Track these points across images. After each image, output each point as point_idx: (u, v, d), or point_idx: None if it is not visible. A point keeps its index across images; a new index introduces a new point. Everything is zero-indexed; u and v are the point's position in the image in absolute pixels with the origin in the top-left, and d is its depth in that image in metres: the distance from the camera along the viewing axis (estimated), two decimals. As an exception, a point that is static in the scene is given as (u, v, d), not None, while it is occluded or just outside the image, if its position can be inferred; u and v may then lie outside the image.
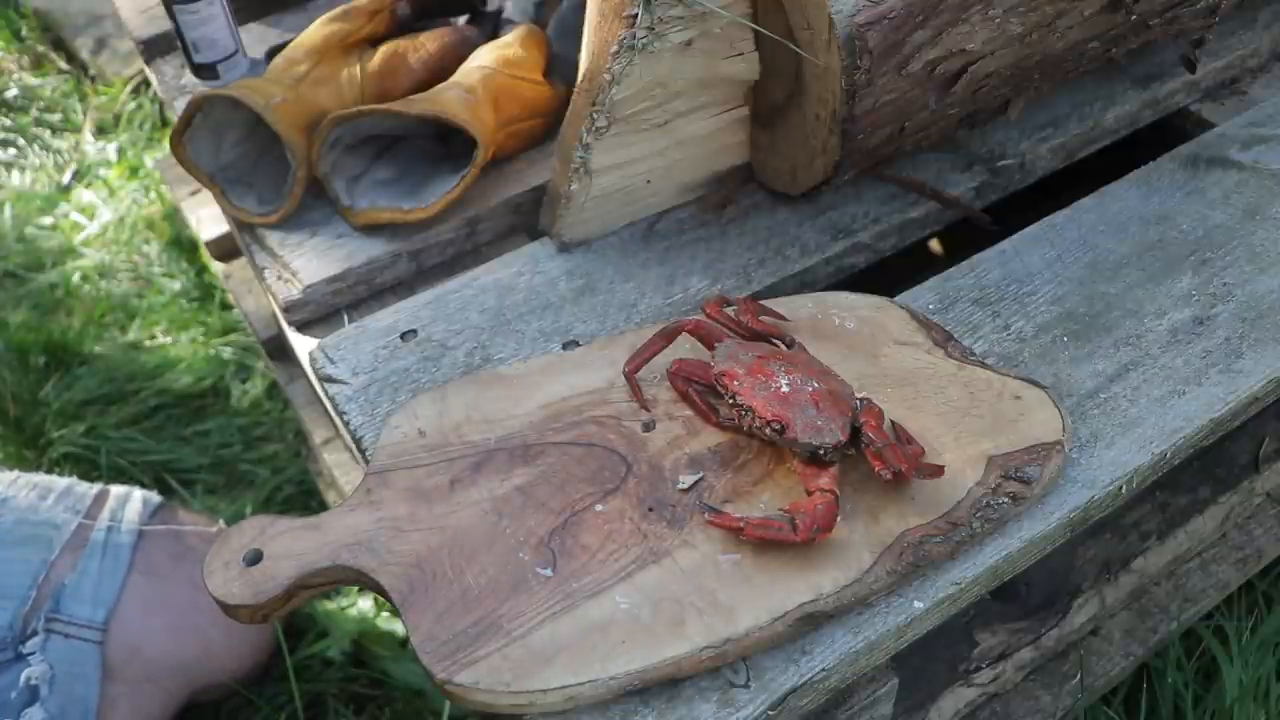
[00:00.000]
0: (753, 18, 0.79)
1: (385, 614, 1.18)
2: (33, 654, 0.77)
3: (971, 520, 0.63)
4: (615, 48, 0.75)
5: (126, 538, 0.83)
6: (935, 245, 1.20)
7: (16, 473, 0.86)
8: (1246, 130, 0.93)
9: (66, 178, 1.97)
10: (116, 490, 0.87)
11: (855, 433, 0.65)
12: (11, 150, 2.04)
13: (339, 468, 1.17)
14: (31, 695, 0.77)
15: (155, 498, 0.89)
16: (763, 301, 0.76)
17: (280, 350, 1.28)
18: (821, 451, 0.64)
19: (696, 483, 0.66)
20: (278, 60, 0.95)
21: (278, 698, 1.08)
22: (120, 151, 1.97)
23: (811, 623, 0.60)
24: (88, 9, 2.24)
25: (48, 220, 1.90)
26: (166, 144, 0.98)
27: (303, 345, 0.84)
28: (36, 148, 2.04)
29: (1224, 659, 1.03)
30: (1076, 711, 0.93)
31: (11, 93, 2.18)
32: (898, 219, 0.89)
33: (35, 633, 0.78)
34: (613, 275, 0.84)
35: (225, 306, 1.70)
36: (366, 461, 0.72)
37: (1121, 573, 0.92)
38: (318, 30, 0.96)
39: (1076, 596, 0.90)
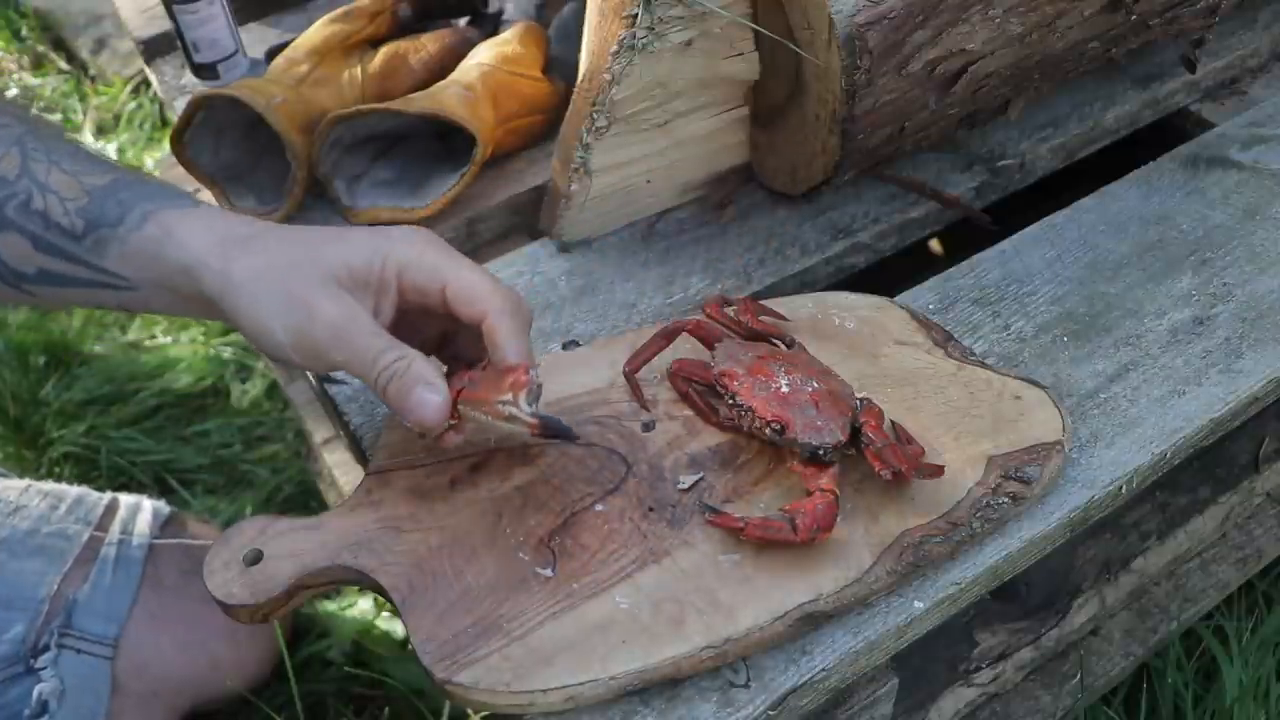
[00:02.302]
0: (753, 18, 0.79)
1: (385, 614, 1.18)
2: (44, 669, 0.77)
3: (971, 520, 0.63)
4: (615, 48, 0.75)
5: (137, 551, 0.83)
6: (935, 245, 1.20)
7: (27, 481, 0.86)
8: (1246, 130, 0.93)
9: (66, 178, 1.97)
10: (126, 500, 0.87)
11: (855, 433, 0.65)
12: (11, 150, 2.04)
13: (339, 468, 1.17)
14: (41, 709, 0.77)
15: (165, 509, 0.89)
16: (763, 301, 0.76)
17: (280, 350, 1.28)
18: (821, 451, 0.64)
19: (696, 483, 0.66)
20: (278, 60, 0.95)
21: (277, 698, 1.08)
22: (120, 151, 1.97)
23: (811, 623, 0.60)
24: (88, 9, 2.24)
25: (48, 220, 1.90)
26: (166, 144, 0.98)
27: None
28: (36, 148, 2.04)
29: (1224, 659, 1.03)
30: (1076, 711, 0.93)
31: (11, 92, 2.18)
32: (898, 219, 0.89)
33: (47, 647, 0.77)
34: (613, 275, 0.84)
35: (225, 306, 1.69)
36: (366, 461, 0.72)
37: (1121, 573, 0.92)
38: (319, 31, 0.96)
39: (1076, 596, 0.90)
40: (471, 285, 0.59)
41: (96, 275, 0.62)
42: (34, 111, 0.70)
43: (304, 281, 0.58)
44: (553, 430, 0.53)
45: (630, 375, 0.71)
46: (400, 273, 0.59)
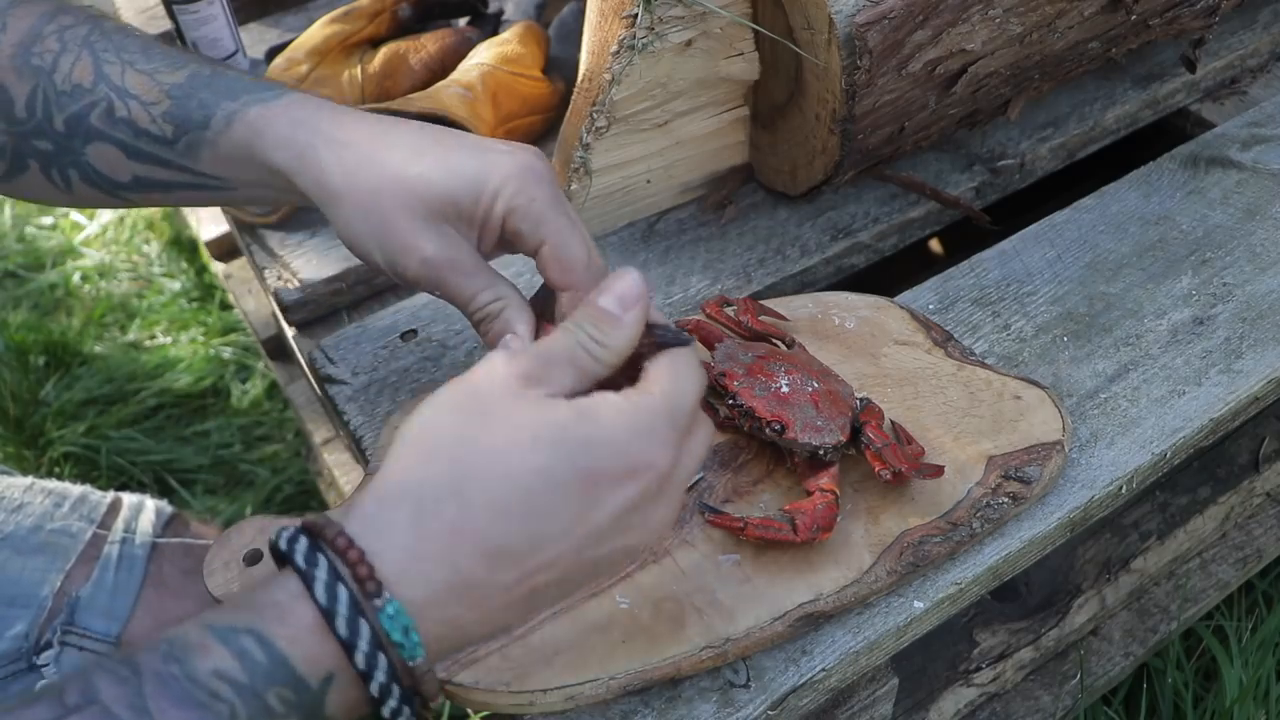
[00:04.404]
0: (753, 18, 0.79)
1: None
2: (46, 666, 0.77)
3: (971, 520, 0.63)
4: (615, 48, 0.75)
5: (140, 550, 0.83)
6: (935, 245, 1.21)
7: (31, 478, 0.86)
8: (1246, 130, 0.93)
9: (66, 178, 1.96)
10: (129, 499, 0.87)
11: (855, 433, 0.65)
12: (11, 150, 2.04)
13: (339, 468, 1.17)
14: None
15: (167, 508, 0.88)
16: (763, 301, 0.76)
17: (280, 350, 1.28)
18: (821, 452, 0.64)
19: (696, 483, 0.66)
20: (278, 60, 0.95)
21: (278, 698, 1.08)
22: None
23: (811, 623, 0.60)
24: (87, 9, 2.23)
25: (48, 220, 1.91)
26: (166, 144, 0.98)
27: (303, 345, 0.84)
28: (36, 148, 2.04)
29: (1224, 659, 1.03)
30: (1076, 711, 0.93)
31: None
32: (898, 219, 0.89)
33: (50, 645, 0.77)
34: (613, 275, 0.84)
35: (225, 306, 1.70)
36: (366, 461, 0.72)
37: (1121, 573, 0.92)
38: (319, 31, 0.96)
39: (1076, 596, 0.90)
40: (568, 255, 0.57)
41: (193, 179, 0.61)
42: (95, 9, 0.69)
43: (405, 213, 0.56)
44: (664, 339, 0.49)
45: (630, 375, 0.71)
46: (506, 215, 0.57)
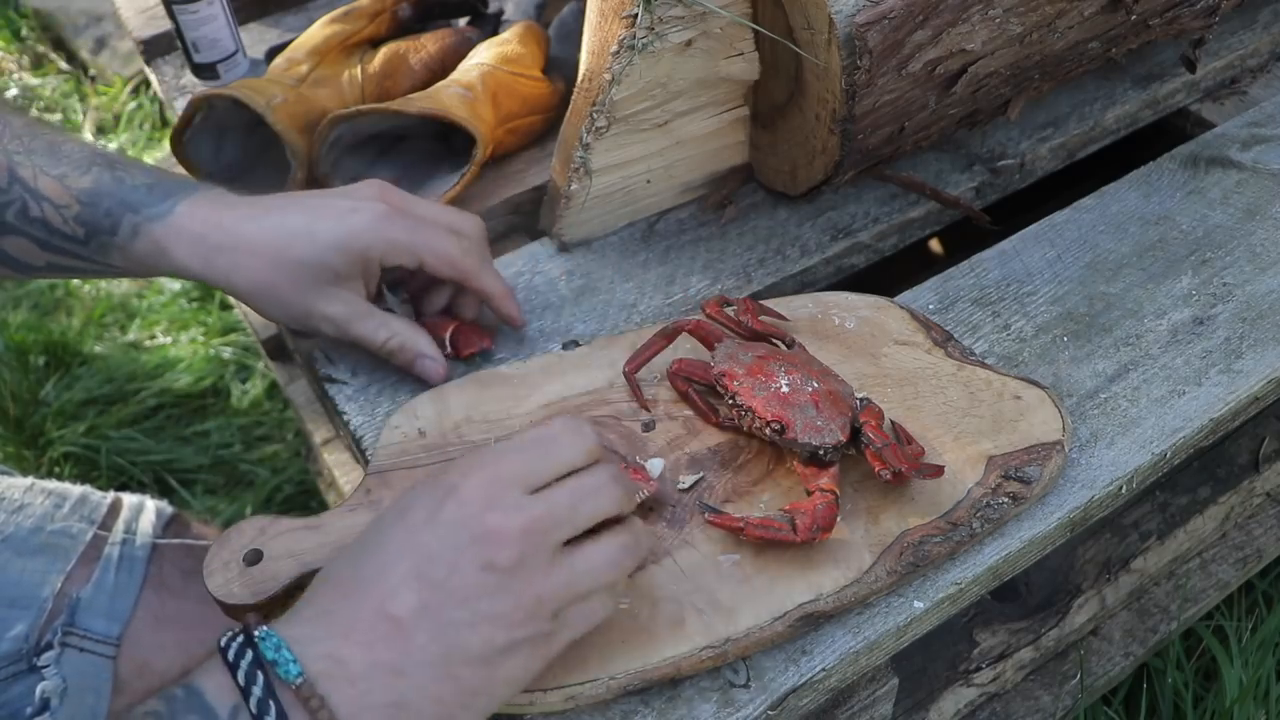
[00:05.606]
0: (753, 18, 0.79)
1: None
2: (47, 667, 0.77)
3: (971, 520, 0.63)
4: (615, 48, 0.75)
5: (141, 551, 0.83)
6: (935, 245, 1.21)
7: (31, 479, 0.86)
8: (1246, 130, 0.93)
9: (66, 178, 1.96)
10: (130, 499, 0.87)
11: (855, 433, 0.65)
12: (11, 150, 2.04)
13: (339, 468, 1.17)
14: (43, 706, 0.77)
15: (168, 509, 0.88)
16: (763, 301, 0.76)
17: (280, 350, 1.28)
18: (821, 452, 0.64)
19: (696, 483, 0.66)
20: (278, 60, 0.95)
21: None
22: (120, 151, 1.97)
23: (811, 623, 0.60)
24: (88, 9, 2.24)
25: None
26: (166, 144, 0.98)
27: (302, 345, 0.84)
28: (36, 148, 2.04)
29: (1224, 659, 1.03)
30: (1076, 711, 0.93)
31: (12, 92, 2.18)
32: (898, 219, 0.89)
33: (50, 646, 0.77)
34: (613, 275, 0.84)
35: (225, 306, 1.70)
36: (366, 461, 0.72)
37: (1121, 573, 0.92)
38: (319, 31, 0.96)
39: (1076, 596, 0.90)
40: (445, 259, 0.71)
41: (106, 269, 0.71)
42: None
43: (299, 291, 0.69)
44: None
45: (630, 375, 0.71)
46: (382, 258, 0.70)
